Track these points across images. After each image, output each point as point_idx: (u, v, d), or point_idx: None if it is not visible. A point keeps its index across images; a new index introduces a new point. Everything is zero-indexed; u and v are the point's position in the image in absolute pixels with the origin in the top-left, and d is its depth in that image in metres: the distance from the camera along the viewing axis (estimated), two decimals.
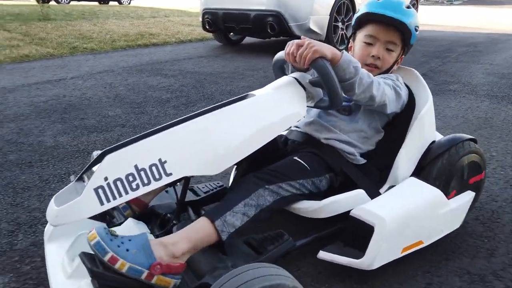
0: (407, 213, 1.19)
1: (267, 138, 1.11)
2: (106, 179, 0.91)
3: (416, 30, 1.38)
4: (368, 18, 1.38)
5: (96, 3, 15.82)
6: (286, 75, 1.31)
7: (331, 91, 1.13)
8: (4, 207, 1.66)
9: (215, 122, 1.06)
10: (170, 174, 0.96)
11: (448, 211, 1.30)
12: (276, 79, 1.31)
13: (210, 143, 1.03)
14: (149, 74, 4.19)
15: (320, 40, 1.29)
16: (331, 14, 5.32)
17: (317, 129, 1.37)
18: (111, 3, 16.37)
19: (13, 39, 5.95)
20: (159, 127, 1.03)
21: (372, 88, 1.18)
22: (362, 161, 1.34)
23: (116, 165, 0.93)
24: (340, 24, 5.59)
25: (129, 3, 16.78)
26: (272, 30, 5.16)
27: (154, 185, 0.95)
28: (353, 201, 1.23)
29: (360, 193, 1.26)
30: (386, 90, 1.25)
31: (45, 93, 3.38)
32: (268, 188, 1.12)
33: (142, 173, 0.94)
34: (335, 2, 5.34)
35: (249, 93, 1.19)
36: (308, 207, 1.23)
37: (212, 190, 1.42)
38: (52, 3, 14.25)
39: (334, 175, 1.30)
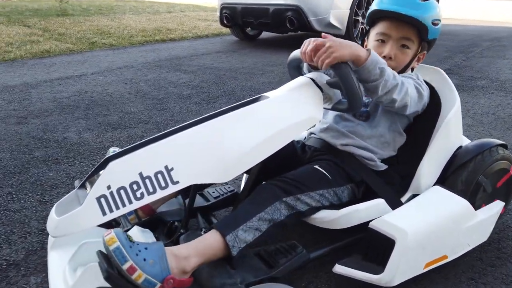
0: (431, 225, 1.11)
1: (281, 143, 1.05)
2: (109, 187, 0.86)
3: (436, 24, 1.27)
4: (379, 15, 1.30)
5: None
6: (302, 75, 1.25)
7: (350, 95, 1.06)
8: (33, 205, 1.65)
9: (225, 126, 1.00)
10: (177, 182, 0.91)
11: (476, 223, 1.21)
12: (292, 79, 1.24)
13: (220, 148, 0.97)
14: (168, 69, 4.18)
15: (340, 36, 1.24)
16: (351, 8, 5.21)
17: (333, 135, 1.30)
18: None
19: (33, 34, 6.00)
20: (166, 131, 0.98)
21: (396, 90, 1.12)
22: (383, 167, 1.28)
23: (119, 172, 0.88)
24: (360, 19, 5.48)
25: None
26: (291, 25, 5.08)
27: (160, 194, 0.89)
28: (373, 211, 1.15)
29: (380, 202, 1.18)
30: (409, 90, 1.17)
31: (67, 89, 3.39)
32: (285, 201, 1.06)
33: (147, 181, 0.89)
34: None
35: (262, 94, 1.12)
36: (324, 217, 1.15)
37: (223, 195, 1.37)
38: None
39: (356, 185, 1.23)
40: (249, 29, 6.20)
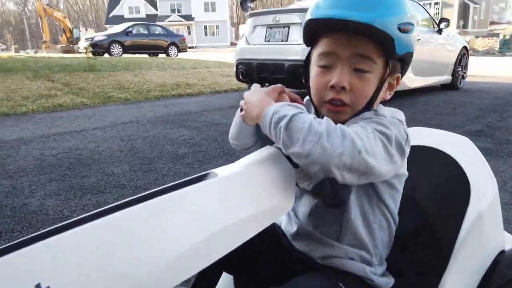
0: None
1: (225, 248, 0.69)
2: None
3: (406, 31, 0.78)
4: (317, 28, 0.83)
5: (146, 55, 16.62)
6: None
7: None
8: None
9: (147, 219, 0.63)
10: None
11: None
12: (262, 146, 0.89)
13: (131, 259, 0.60)
14: (173, 125, 3.97)
15: None
16: None
17: (307, 243, 0.89)
18: (160, 55, 17.15)
19: (53, 89, 6.09)
20: (59, 225, 0.63)
21: (321, 144, 0.67)
22: (387, 284, 0.85)
23: None
24: None
25: (177, 55, 17.51)
26: (307, 80, 4.85)
27: None
28: None
29: None
30: (357, 143, 0.68)
31: (59, 145, 3.20)
32: None
33: None
34: None
35: (211, 171, 0.77)
36: None
37: None
38: (106, 55, 15.15)
39: None
40: (266, 84, 6.04)
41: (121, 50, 16.35)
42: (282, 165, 0.78)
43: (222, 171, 0.78)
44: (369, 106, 0.81)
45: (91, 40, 16.18)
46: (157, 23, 23.60)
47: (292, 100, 0.86)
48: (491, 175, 0.94)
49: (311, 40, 0.85)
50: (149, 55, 16.78)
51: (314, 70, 0.84)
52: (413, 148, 0.89)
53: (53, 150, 3.06)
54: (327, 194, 0.73)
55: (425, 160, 1.06)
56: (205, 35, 48.63)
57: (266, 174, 0.77)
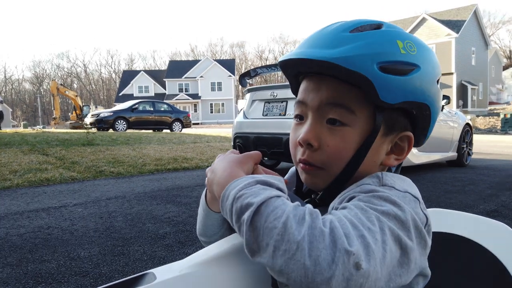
0: None
1: None
2: None
3: (394, 72, 0.58)
4: (292, 73, 0.69)
5: (150, 131, 16.83)
6: None
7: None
8: None
9: None
10: None
11: None
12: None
13: None
14: (160, 201, 3.68)
15: None
16: None
17: None
18: (164, 131, 17.35)
19: (45, 162, 5.91)
20: None
21: (299, 259, 0.44)
22: None
23: None
24: None
25: (181, 131, 17.72)
26: None
27: None
28: None
29: None
30: (355, 257, 0.43)
31: (30, 223, 2.90)
32: None
33: None
34: None
35: (148, 272, 0.56)
36: None
37: None
38: (111, 131, 15.33)
39: None
40: (266, 158, 5.85)
41: (126, 125, 16.60)
42: (255, 264, 0.55)
43: (163, 272, 0.55)
44: (352, 171, 0.61)
45: (97, 116, 16.52)
46: (165, 101, 24.39)
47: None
48: None
49: (295, 89, 0.71)
50: (153, 131, 16.98)
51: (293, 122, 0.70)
52: (434, 236, 0.62)
53: (21, 229, 2.76)
54: None
55: (450, 254, 0.77)
56: (210, 112, 50.14)
57: (229, 276, 0.55)
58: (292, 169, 0.76)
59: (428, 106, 0.61)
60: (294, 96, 0.70)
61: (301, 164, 0.65)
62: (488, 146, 10.47)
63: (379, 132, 0.61)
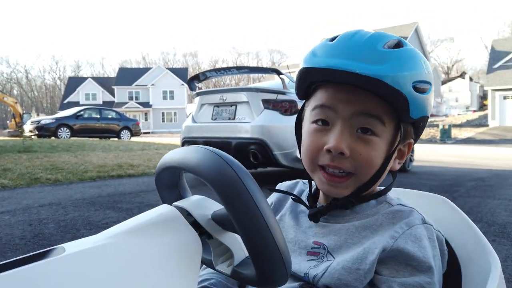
0: None
1: None
2: None
3: (423, 91, 0.63)
4: (314, 79, 0.67)
5: (97, 139, 16.10)
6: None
7: (258, 248, 0.47)
8: None
9: None
10: None
11: None
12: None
13: None
14: (99, 207, 3.46)
15: None
16: None
17: None
18: (112, 139, 16.66)
19: None
20: None
21: None
22: None
23: None
24: None
25: (130, 139, 17.11)
26: (256, 159, 4.61)
27: None
28: None
29: None
30: None
31: None
32: None
33: None
34: None
35: (58, 246, 0.47)
36: None
37: None
38: (53, 138, 14.46)
39: None
40: None
41: (69, 133, 15.77)
42: (182, 235, 0.50)
43: (75, 246, 0.47)
44: (378, 178, 0.67)
45: (37, 123, 15.56)
46: (113, 108, 23.53)
47: None
48: (487, 248, 0.69)
49: (305, 92, 0.71)
50: (100, 139, 16.27)
51: (307, 126, 0.69)
52: None
53: None
54: (252, 277, 0.50)
55: None
56: (162, 121, 49.12)
57: (149, 249, 0.48)
58: (287, 184, 0.81)
59: (428, 118, 0.68)
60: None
61: (323, 172, 0.66)
62: (428, 154, 11.05)
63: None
